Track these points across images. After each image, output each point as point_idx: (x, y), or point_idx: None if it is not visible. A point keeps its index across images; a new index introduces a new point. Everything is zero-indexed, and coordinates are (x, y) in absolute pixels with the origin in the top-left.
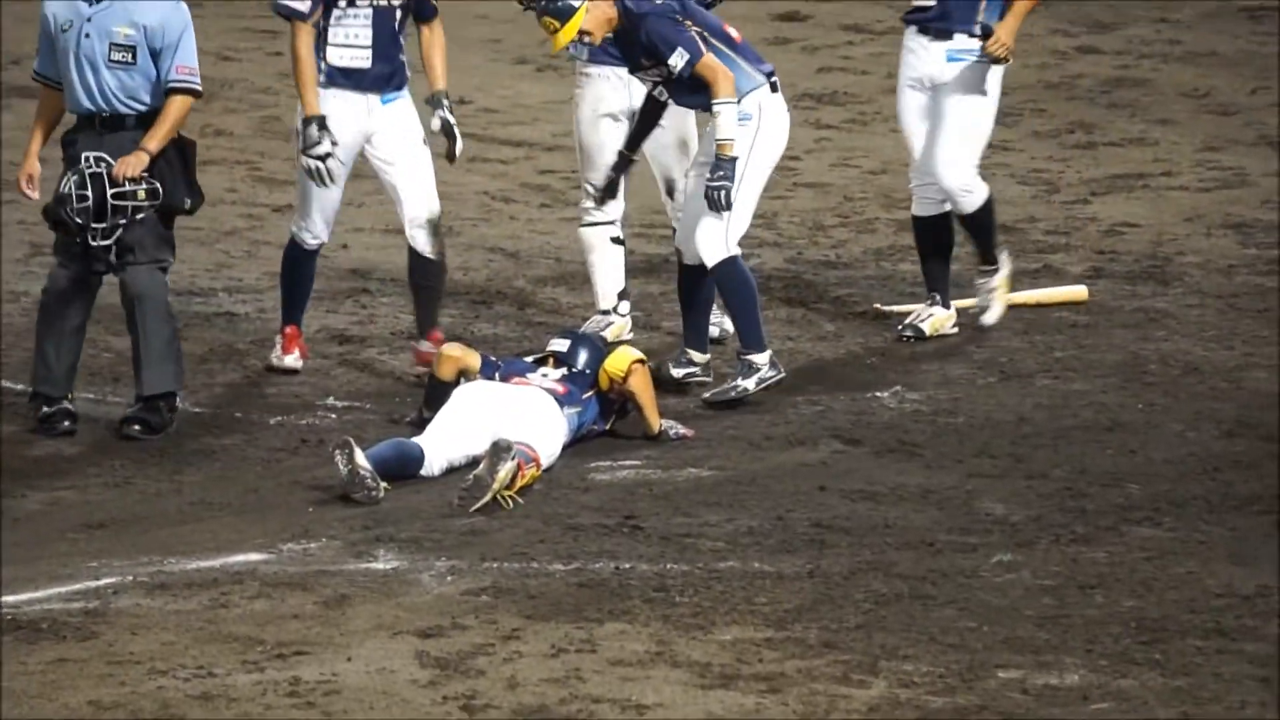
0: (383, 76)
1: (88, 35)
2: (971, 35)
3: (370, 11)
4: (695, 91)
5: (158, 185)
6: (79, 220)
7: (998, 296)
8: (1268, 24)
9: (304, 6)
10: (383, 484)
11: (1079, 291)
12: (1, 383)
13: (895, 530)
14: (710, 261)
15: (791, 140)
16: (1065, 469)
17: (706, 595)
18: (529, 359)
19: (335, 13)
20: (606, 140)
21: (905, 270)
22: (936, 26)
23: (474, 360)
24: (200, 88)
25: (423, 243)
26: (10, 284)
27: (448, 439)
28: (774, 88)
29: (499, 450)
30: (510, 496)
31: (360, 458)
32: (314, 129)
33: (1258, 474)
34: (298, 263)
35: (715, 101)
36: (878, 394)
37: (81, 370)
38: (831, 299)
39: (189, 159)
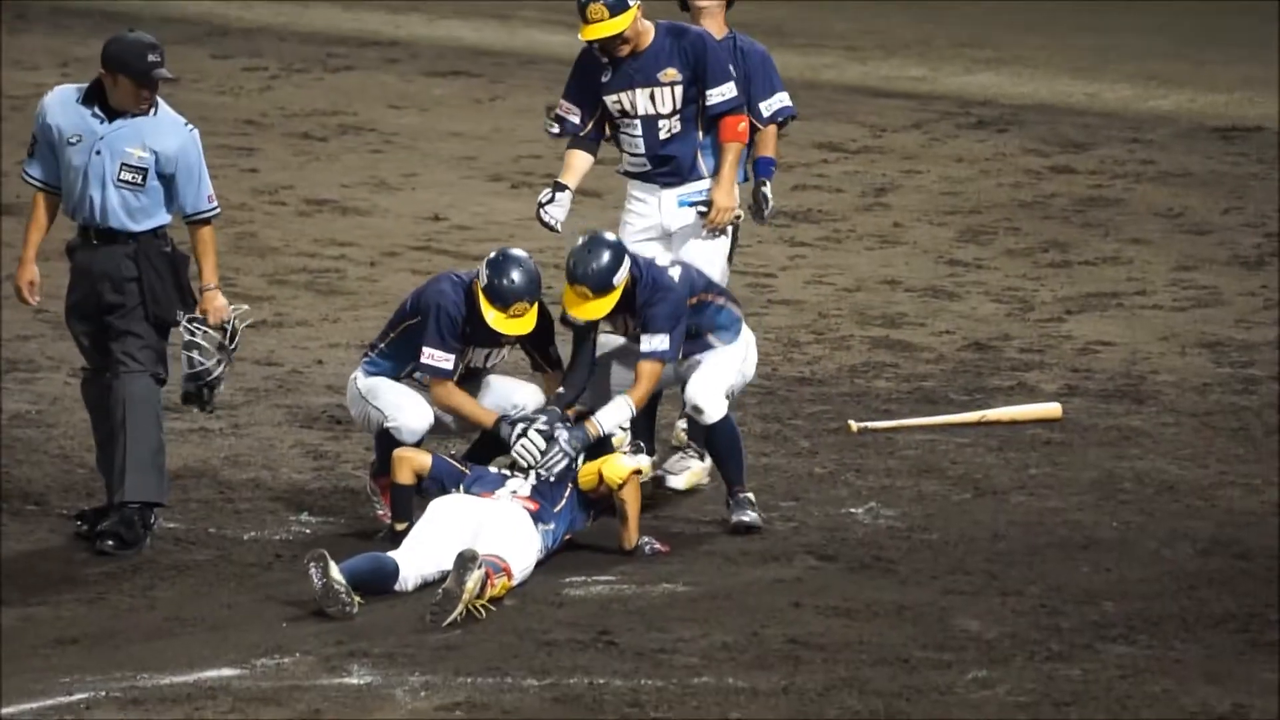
0: None
1: (99, 153)
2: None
3: (639, 123)
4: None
5: (244, 307)
6: (214, 385)
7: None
8: (1240, 144)
9: (448, 367)
10: (356, 598)
11: (1053, 409)
12: None
13: (870, 646)
14: (713, 419)
15: (766, 257)
16: (1040, 586)
17: (681, 711)
18: (495, 469)
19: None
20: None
21: (880, 387)
22: (662, 179)
23: (425, 459)
24: (219, 212)
25: None
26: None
27: (421, 553)
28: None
29: (464, 560)
30: (482, 606)
31: (335, 571)
32: (504, 426)
33: (1233, 592)
34: None
35: (623, 398)
36: (852, 510)
37: (54, 485)
38: (806, 415)
39: (180, 271)
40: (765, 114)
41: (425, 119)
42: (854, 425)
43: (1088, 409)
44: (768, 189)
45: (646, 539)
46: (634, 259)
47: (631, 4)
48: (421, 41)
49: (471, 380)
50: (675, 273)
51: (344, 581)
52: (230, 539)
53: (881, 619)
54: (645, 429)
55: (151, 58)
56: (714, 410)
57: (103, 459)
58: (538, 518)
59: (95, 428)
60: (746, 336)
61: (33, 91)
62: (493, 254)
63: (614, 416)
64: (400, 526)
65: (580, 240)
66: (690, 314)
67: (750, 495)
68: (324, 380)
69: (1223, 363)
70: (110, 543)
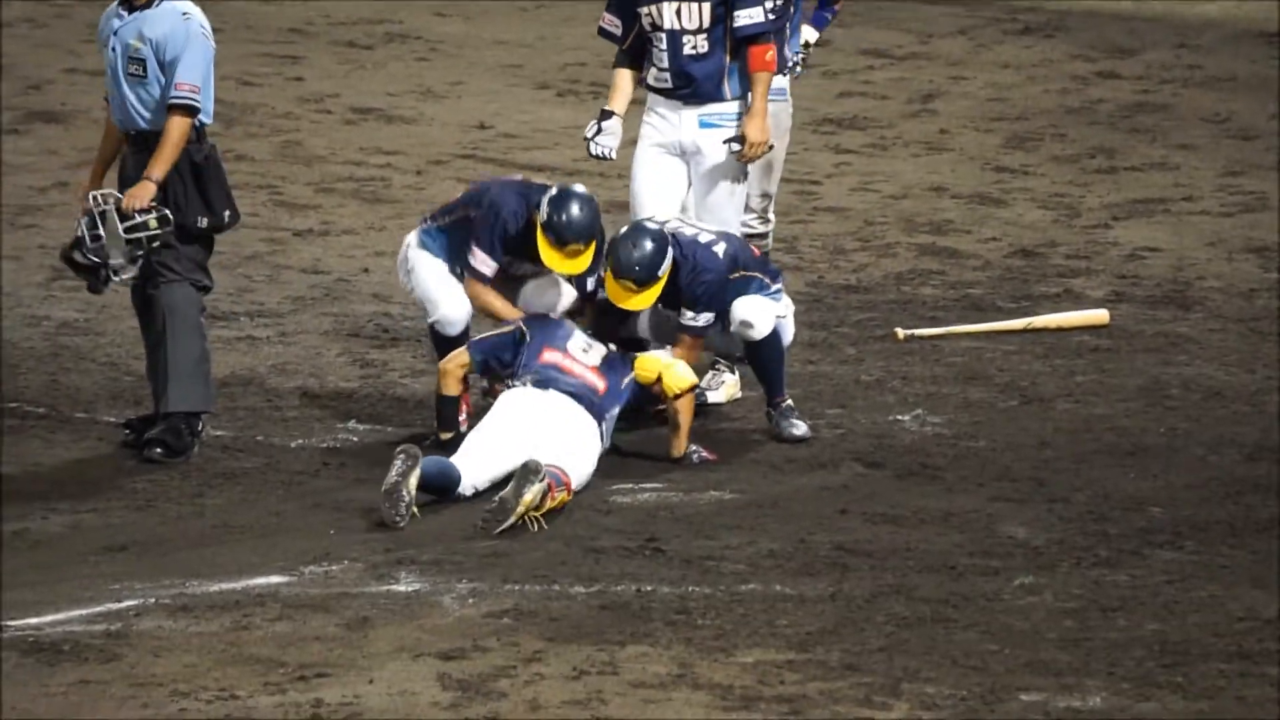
0: None
1: (114, 49)
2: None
3: (666, 37)
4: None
5: (167, 212)
6: (94, 259)
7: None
8: None
9: (487, 272)
10: (412, 514)
11: (1100, 316)
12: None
13: (917, 554)
14: (763, 334)
15: (811, 164)
16: (1087, 493)
17: (728, 618)
18: (560, 318)
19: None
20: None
21: (926, 294)
22: (685, 97)
23: (464, 358)
24: (197, 104)
25: None
26: (32, 308)
27: (484, 458)
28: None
29: (528, 472)
30: (536, 518)
31: (414, 479)
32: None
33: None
34: None
35: (675, 393)
36: (899, 417)
37: (102, 393)
38: (853, 323)
39: (206, 177)
40: None
41: (471, 27)
42: (900, 332)
43: (1134, 315)
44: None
45: (694, 447)
46: (676, 240)
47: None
48: None
49: (510, 284)
50: (720, 249)
51: (413, 493)
52: (278, 446)
53: (928, 526)
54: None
55: None
56: (763, 325)
57: (151, 366)
58: (603, 404)
59: (144, 335)
60: (786, 306)
61: None
62: (555, 190)
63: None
64: (446, 436)
65: (622, 231)
66: (732, 290)
67: (791, 403)
68: (370, 289)
69: (1269, 268)
70: (158, 450)
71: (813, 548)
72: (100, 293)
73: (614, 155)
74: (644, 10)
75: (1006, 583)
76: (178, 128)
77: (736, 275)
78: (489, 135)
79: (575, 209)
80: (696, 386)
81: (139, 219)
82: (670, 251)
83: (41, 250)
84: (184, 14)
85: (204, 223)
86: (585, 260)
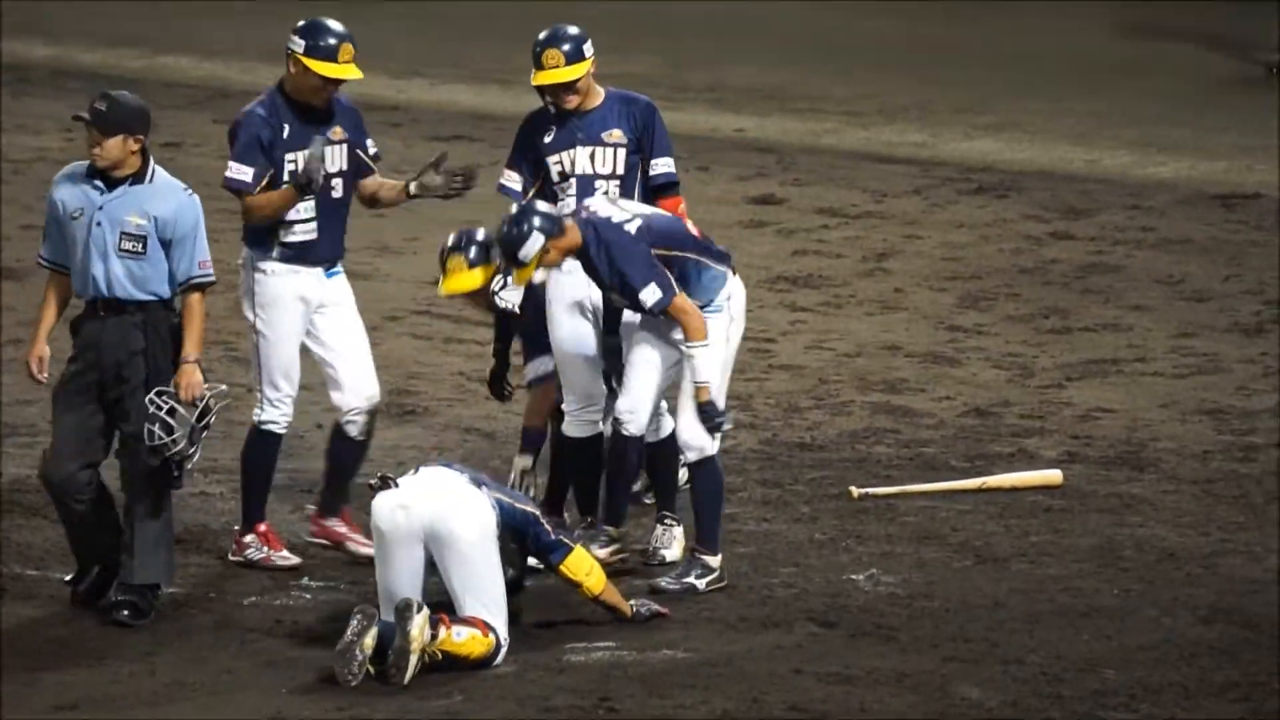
0: (329, 249)
1: (99, 224)
2: None
3: (577, 182)
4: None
5: (222, 387)
6: (181, 462)
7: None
8: (1240, 211)
9: (248, 178)
10: (366, 672)
11: (1053, 476)
12: None
13: (871, 714)
14: (694, 457)
15: (766, 322)
16: (1041, 654)
17: None
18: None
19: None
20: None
21: (881, 453)
22: None
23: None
24: (214, 279)
25: (358, 429)
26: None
27: (388, 597)
28: (733, 270)
29: (399, 614)
30: (438, 651)
31: (370, 639)
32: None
33: (1234, 661)
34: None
35: (690, 345)
36: (853, 577)
37: (54, 550)
38: (807, 480)
39: (180, 343)
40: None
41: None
42: (855, 491)
43: (1088, 476)
44: None
45: (641, 601)
46: (589, 223)
47: (588, 55)
48: (423, 106)
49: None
50: (632, 226)
51: (370, 650)
52: (230, 604)
53: (883, 686)
54: (618, 505)
55: (96, 103)
56: (696, 449)
57: (78, 540)
58: (479, 479)
59: (63, 511)
60: (730, 296)
61: (35, 155)
62: (300, 23)
63: (704, 365)
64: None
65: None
66: (661, 269)
67: (710, 560)
68: (324, 445)
69: (1223, 430)
70: (125, 613)
71: (766, 707)
72: (182, 486)
73: (518, 309)
74: (554, 159)
75: None
76: (201, 305)
77: (664, 252)
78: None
79: (327, 21)
80: (606, 586)
81: (200, 405)
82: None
83: (19, 404)
84: (185, 189)
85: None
86: (356, 71)
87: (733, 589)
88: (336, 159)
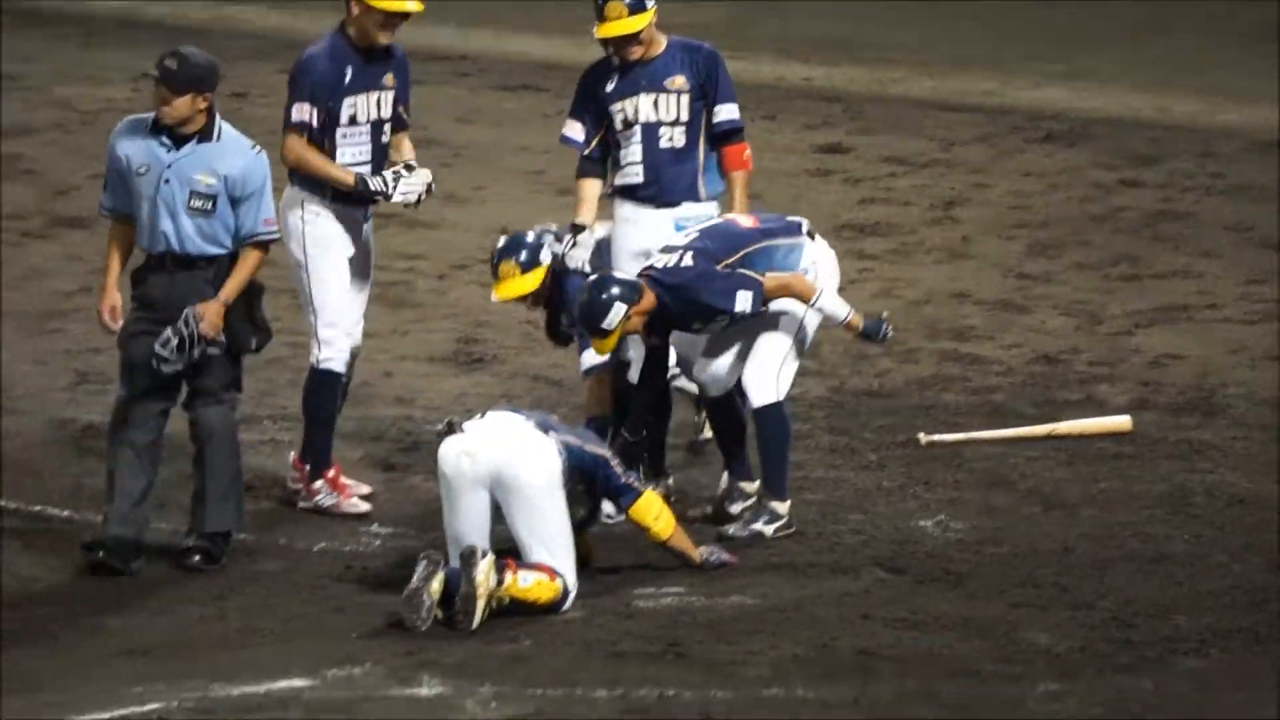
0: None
1: (167, 181)
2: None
3: (369, 128)
4: (683, 155)
5: (223, 338)
6: (165, 369)
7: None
8: None
9: (308, 118)
10: (434, 617)
11: (1123, 422)
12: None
13: (940, 659)
14: (758, 403)
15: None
16: (1111, 599)
17: None
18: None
19: (340, 131)
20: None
21: (949, 400)
22: (658, 199)
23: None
24: (277, 238)
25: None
26: (57, 411)
27: (456, 542)
28: (811, 236)
29: (465, 560)
30: (505, 595)
31: (436, 584)
32: (375, 180)
33: None
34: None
35: (810, 306)
36: (921, 522)
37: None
38: (875, 428)
39: (254, 301)
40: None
41: (495, 133)
42: (923, 438)
43: (1158, 422)
44: None
45: (712, 549)
46: (655, 280)
47: (650, 5)
48: (491, 56)
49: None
50: (689, 259)
51: (437, 595)
52: (300, 550)
53: (951, 631)
54: (741, 461)
55: (166, 61)
56: (760, 395)
57: (119, 487)
58: (545, 421)
59: (118, 453)
60: (814, 261)
61: (104, 106)
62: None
63: (835, 306)
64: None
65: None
66: (743, 267)
67: (778, 506)
68: (393, 393)
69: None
70: (197, 558)
71: (835, 652)
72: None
73: (589, 268)
74: (616, 107)
75: (1030, 689)
76: (257, 260)
77: (729, 261)
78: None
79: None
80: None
81: (203, 344)
82: (540, 256)
83: (67, 355)
84: (254, 148)
85: (254, 344)
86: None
87: (801, 536)
88: (385, 106)
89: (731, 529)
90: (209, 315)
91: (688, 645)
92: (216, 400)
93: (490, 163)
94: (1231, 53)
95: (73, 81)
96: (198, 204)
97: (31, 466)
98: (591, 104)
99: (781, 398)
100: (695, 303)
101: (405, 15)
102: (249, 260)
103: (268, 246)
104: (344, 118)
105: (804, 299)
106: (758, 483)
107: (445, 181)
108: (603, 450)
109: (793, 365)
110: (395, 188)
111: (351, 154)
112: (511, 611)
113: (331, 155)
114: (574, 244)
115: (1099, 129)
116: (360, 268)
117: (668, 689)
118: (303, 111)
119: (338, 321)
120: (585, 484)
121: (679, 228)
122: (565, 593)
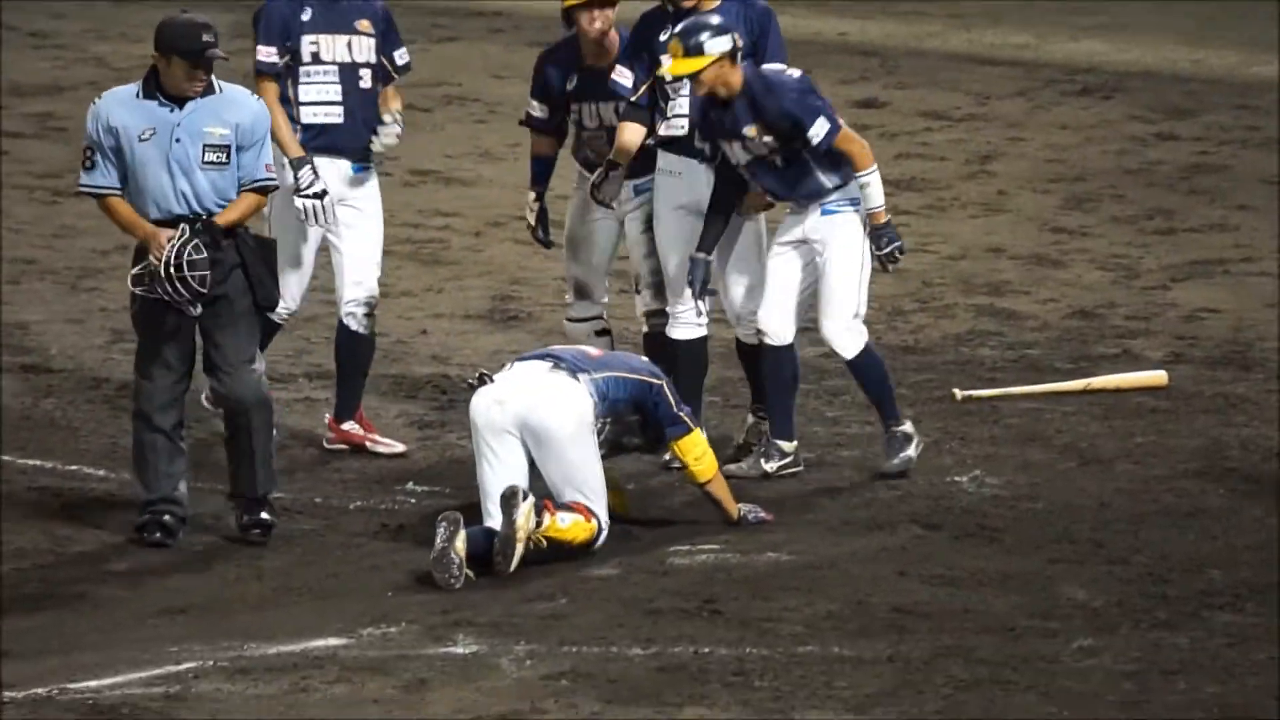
0: (353, 138)
1: (179, 140)
2: None
3: (336, 69)
4: (788, 170)
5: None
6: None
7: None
8: None
9: (275, 58)
10: (467, 573)
11: (1159, 377)
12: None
13: (975, 615)
14: (851, 353)
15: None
16: (1146, 554)
17: (786, 680)
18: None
19: (303, 70)
20: (596, 236)
21: (984, 355)
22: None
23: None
24: (276, 184)
25: (357, 323)
26: (94, 370)
27: (488, 494)
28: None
29: (505, 501)
30: (543, 537)
31: (460, 541)
32: (306, 169)
33: None
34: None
35: (860, 174)
36: (957, 479)
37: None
38: (911, 384)
39: (272, 254)
40: None
41: (529, 89)
42: (959, 393)
43: (1194, 376)
44: None
45: (750, 507)
46: (756, 72)
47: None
48: (525, 11)
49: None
50: (795, 73)
51: (463, 553)
52: (335, 508)
53: (987, 588)
54: (786, 416)
55: (205, 38)
56: (850, 346)
57: (149, 466)
58: (577, 364)
59: (145, 433)
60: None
61: (137, 63)
62: None
63: (877, 191)
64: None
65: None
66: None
67: (906, 428)
68: (429, 350)
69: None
70: (257, 531)
71: (870, 609)
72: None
73: (617, 205)
74: (666, 58)
75: (1066, 645)
76: (256, 203)
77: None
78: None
79: None
80: (715, 476)
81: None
82: (726, 39)
83: (103, 313)
84: (255, 96)
85: (276, 299)
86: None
87: (837, 492)
88: (360, 50)
89: (887, 465)
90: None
91: (723, 602)
92: (241, 371)
93: (511, 130)
94: (1269, 5)
95: (106, 39)
96: (212, 157)
97: (68, 425)
98: (642, 54)
99: (866, 338)
100: (781, 106)
101: None
102: (249, 200)
103: (267, 192)
104: (305, 55)
105: (859, 164)
106: (795, 444)
107: (480, 138)
108: (658, 379)
109: (864, 304)
110: (308, 188)
111: (317, 93)
112: (548, 555)
113: (295, 94)
114: (605, 177)
115: (1134, 82)
116: (339, 216)
117: (702, 646)
118: (264, 53)
119: (285, 268)
120: (637, 412)
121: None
122: (600, 531)
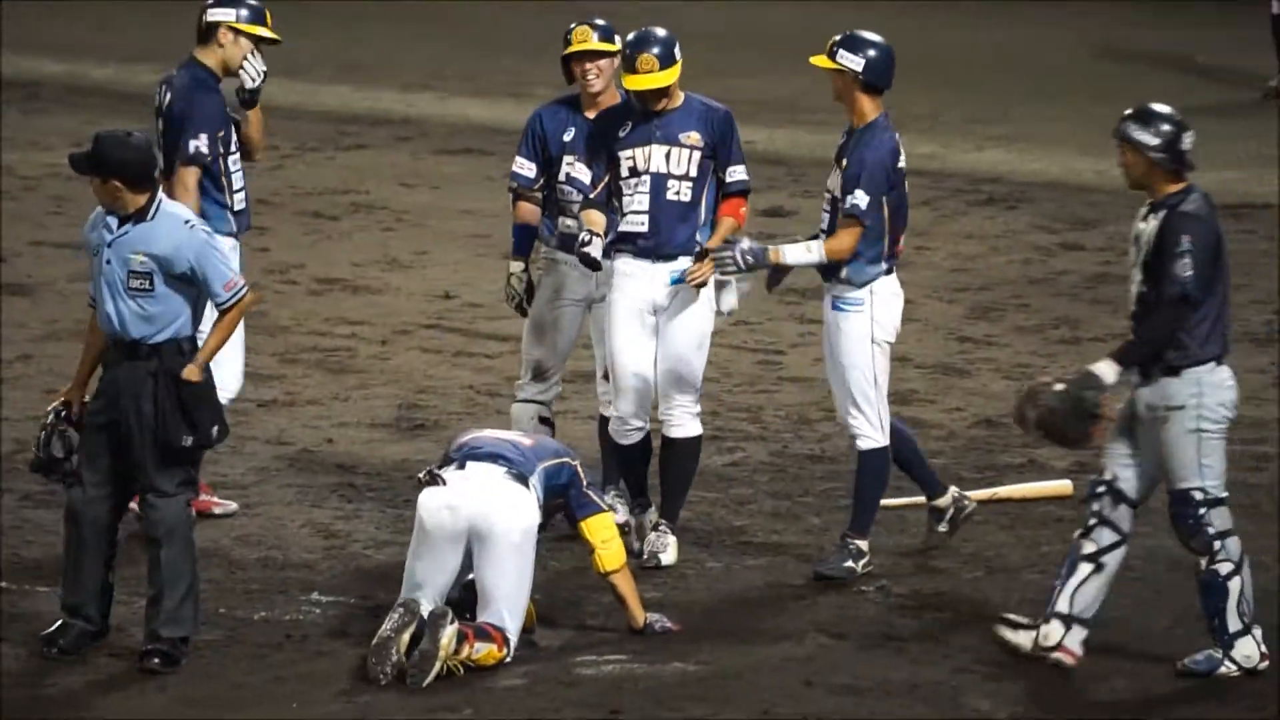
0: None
1: (109, 261)
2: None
3: (649, 179)
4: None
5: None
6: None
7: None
8: (1249, 222)
9: (527, 175)
10: (395, 672)
11: (1064, 486)
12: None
13: None
14: (865, 446)
15: (776, 334)
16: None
17: None
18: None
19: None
20: (562, 321)
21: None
22: (655, 251)
23: None
24: (246, 290)
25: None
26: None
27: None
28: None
29: (435, 619)
30: (459, 665)
31: (406, 637)
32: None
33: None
34: None
35: (816, 242)
36: (863, 588)
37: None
38: (817, 492)
39: (183, 395)
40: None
41: (437, 197)
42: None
43: None
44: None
45: (656, 616)
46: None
47: (679, 59)
48: (433, 119)
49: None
50: (888, 135)
51: (403, 652)
52: (240, 619)
53: (893, 698)
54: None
55: (99, 150)
56: (867, 441)
57: (78, 572)
58: (525, 464)
59: (74, 539)
60: (872, 292)
61: (45, 171)
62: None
63: (799, 254)
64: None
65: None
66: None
67: (864, 546)
68: (334, 459)
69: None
70: (157, 660)
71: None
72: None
73: (604, 263)
74: (626, 154)
75: None
76: (232, 319)
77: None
78: (454, 305)
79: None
80: (622, 568)
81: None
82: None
83: (7, 422)
84: (186, 223)
85: (188, 441)
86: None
87: (743, 600)
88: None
89: (822, 568)
90: (186, 373)
91: (629, 713)
92: (170, 496)
93: (432, 227)
94: None
95: (15, 147)
96: (135, 284)
97: None
98: (601, 150)
99: (886, 441)
100: (859, 154)
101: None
102: (221, 324)
103: (235, 307)
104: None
105: (828, 249)
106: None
107: (388, 246)
108: (570, 458)
109: (884, 401)
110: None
111: (233, 171)
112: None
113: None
114: (590, 240)
115: (1039, 192)
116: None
117: None
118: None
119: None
120: (560, 496)
121: (674, 280)
122: (508, 655)
